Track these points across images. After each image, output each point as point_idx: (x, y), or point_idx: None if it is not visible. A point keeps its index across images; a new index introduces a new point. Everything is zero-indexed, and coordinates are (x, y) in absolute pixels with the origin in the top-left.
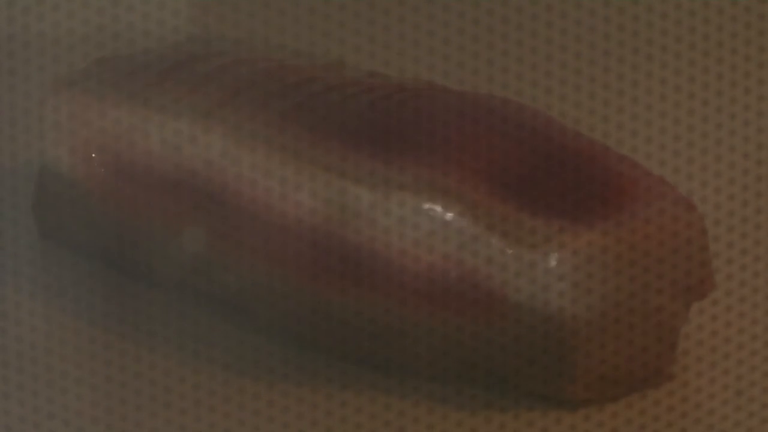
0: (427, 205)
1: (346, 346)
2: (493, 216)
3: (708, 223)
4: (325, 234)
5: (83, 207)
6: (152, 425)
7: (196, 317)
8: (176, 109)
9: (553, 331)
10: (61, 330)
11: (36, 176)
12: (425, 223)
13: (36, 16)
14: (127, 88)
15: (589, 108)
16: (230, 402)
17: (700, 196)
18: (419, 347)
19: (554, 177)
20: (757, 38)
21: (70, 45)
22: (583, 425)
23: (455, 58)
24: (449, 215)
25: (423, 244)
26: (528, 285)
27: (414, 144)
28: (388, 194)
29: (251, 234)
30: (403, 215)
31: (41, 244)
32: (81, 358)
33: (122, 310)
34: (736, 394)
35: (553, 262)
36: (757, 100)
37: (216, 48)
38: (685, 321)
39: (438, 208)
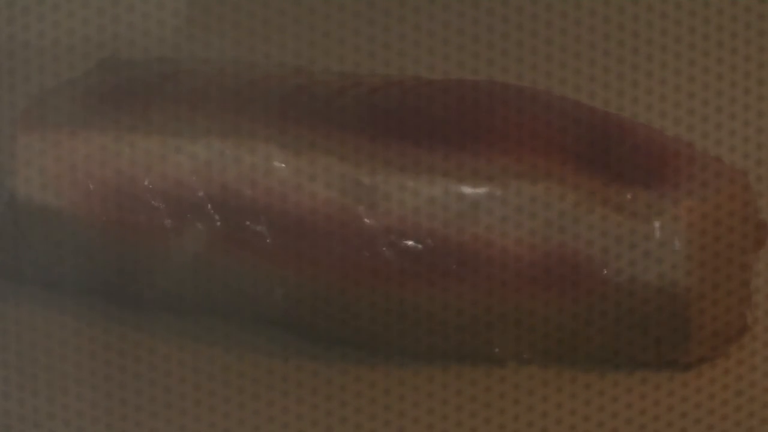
0: (523, 191)
1: (430, 342)
2: (587, 192)
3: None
4: (429, 231)
5: (73, 239)
6: (152, 425)
7: (196, 317)
8: (176, 127)
9: (667, 299)
10: (61, 330)
11: None
12: (524, 209)
13: (36, 16)
14: (104, 113)
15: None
16: (230, 402)
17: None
18: (524, 333)
19: (613, 153)
20: (757, 38)
21: (69, 45)
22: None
23: (455, 58)
24: (547, 199)
25: (525, 229)
26: (636, 255)
27: (478, 133)
28: (482, 184)
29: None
30: (498, 203)
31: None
32: (81, 358)
33: (122, 311)
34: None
35: (660, 230)
36: (757, 99)
37: (185, 67)
38: (752, 274)
39: (536, 193)
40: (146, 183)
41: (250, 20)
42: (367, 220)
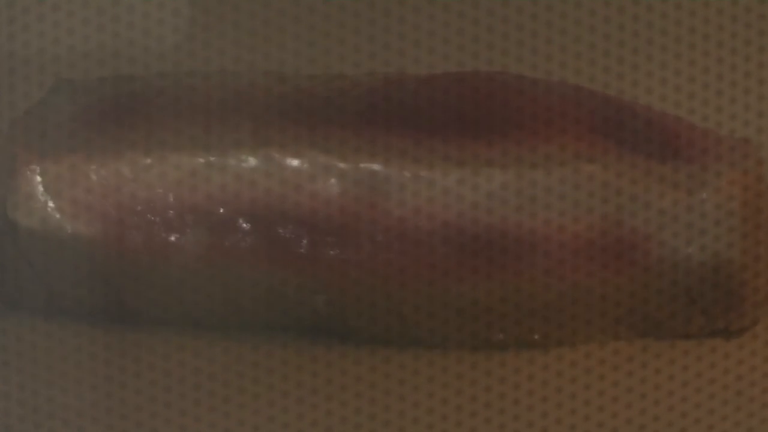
0: (566, 175)
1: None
2: (629, 170)
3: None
4: (462, 224)
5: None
6: (152, 425)
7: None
8: (178, 142)
9: (715, 269)
10: (61, 330)
11: None
12: (571, 193)
13: (36, 16)
14: (104, 133)
15: None
16: (230, 402)
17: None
18: (582, 313)
19: (642, 133)
20: (757, 38)
21: (69, 45)
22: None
23: (455, 58)
24: (591, 179)
25: (573, 212)
26: (683, 227)
27: (508, 121)
28: (526, 171)
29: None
30: (541, 189)
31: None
32: (81, 358)
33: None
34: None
35: (705, 202)
36: (757, 99)
37: (184, 81)
38: None
39: (582, 175)
40: (172, 201)
41: (251, 21)
42: (402, 216)
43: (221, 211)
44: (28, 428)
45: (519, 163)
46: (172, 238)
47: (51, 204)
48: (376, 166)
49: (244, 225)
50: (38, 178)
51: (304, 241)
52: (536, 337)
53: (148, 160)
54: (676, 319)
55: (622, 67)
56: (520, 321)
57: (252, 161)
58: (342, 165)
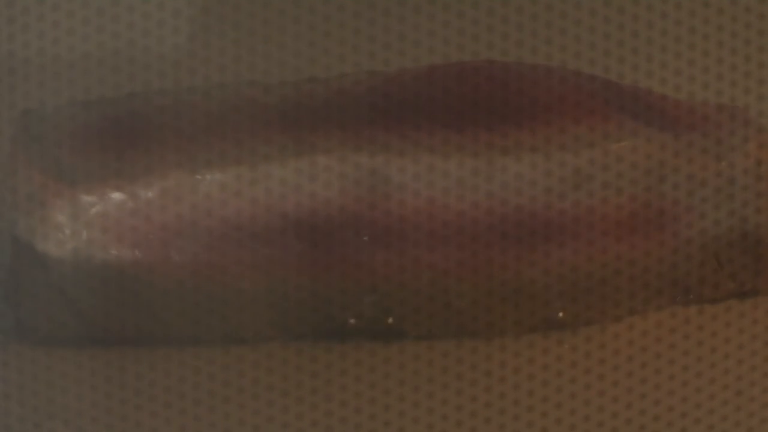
0: (595, 156)
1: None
2: (657, 146)
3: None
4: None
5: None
6: (152, 425)
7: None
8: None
9: (746, 233)
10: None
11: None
12: (603, 172)
13: (35, 17)
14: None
15: None
16: (230, 402)
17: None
18: (624, 285)
19: (655, 110)
20: (757, 38)
21: (70, 46)
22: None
23: (455, 58)
24: (621, 156)
25: (608, 189)
26: (714, 195)
27: (537, 107)
28: (552, 155)
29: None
30: (572, 170)
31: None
32: (81, 358)
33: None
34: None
35: (736, 168)
36: (757, 99)
37: (184, 98)
38: None
39: (612, 154)
40: (209, 220)
41: (250, 20)
42: (442, 208)
43: (261, 224)
44: (28, 428)
45: (554, 146)
46: (214, 257)
47: (83, 233)
48: (409, 162)
49: (286, 236)
50: (69, 208)
51: (348, 245)
52: (591, 313)
53: (178, 182)
54: (706, 284)
55: (622, 66)
56: (575, 299)
57: (285, 170)
58: (375, 163)
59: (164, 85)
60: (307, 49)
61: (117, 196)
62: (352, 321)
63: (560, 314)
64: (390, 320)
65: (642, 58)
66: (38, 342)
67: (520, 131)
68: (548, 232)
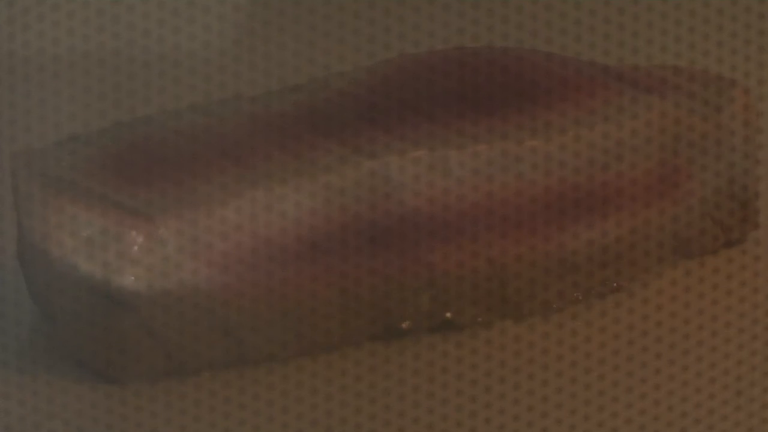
0: (609, 131)
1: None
2: (660, 116)
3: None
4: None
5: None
6: (152, 425)
7: (271, 335)
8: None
9: (734, 189)
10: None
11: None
12: (618, 145)
13: (35, 17)
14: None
15: None
16: (230, 402)
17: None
18: (640, 243)
19: (641, 84)
20: (757, 38)
21: (69, 45)
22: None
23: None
24: (639, 132)
25: (624, 161)
26: (712, 152)
27: (548, 90)
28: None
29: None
30: (588, 145)
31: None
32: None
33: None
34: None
35: (719, 130)
36: (756, 100)
37: (190, 119)
38: None
39: (626, 129)
40: (278, 235)
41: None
42: (488, 194)
43: (327, 235)
44: (28, 428)
45: (575, 124)
46: (288, 273)
47: (164, 264)
48: (452, 152)
49: (350, 243)
50: (146, 240)
51: (405, 242)
52: (619, 279)
53: (252, 200)
54: (705, 237)
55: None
56: (606, 268)
57: (343, 179)
58: (421, 157)
59: (164, 85)
60: (307, 49)
61: (191, 222)
62: (407, 322)
63: (615, 284)
64: (448, 315)
65: (641, 41)
66: (130, 381)
67: (534, 112)
68: (583, 204)
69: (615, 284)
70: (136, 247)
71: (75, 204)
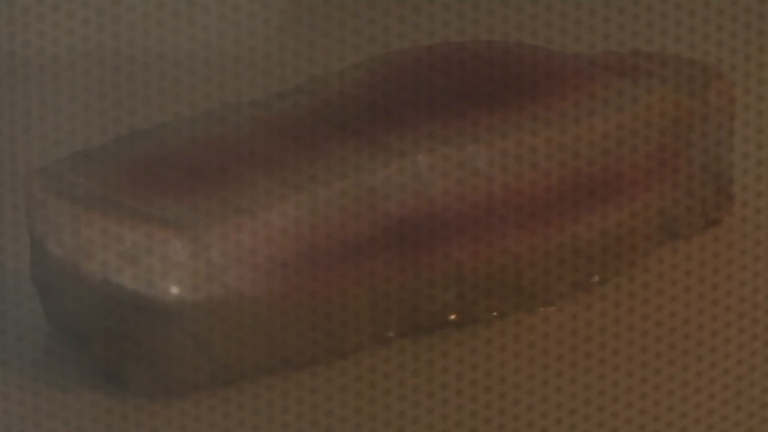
0: (627, 119)
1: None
2: (658, 102)
3: (737, 225)
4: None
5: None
6: (152, 425)
7: (309, 339)
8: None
9: (709, 173)
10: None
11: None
12: (619, 135)
13: (35, 17)
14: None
15: None
16: (230, 402)
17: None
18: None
19: (628, 75)
20: (757, 38)
21: (69, 45)
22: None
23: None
24: (640, 118)
25: (632, 148)
26: (695, 135)
27: (550, 83)
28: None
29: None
30: (601, 135)
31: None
32: (81, 358)
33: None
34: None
35: (691, 117)
36: (757, 100)
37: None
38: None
39: (628, 116)
40: (318, 239)
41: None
42: (505, 187)
43: (361, 235)
44: (28, 428)
45: (587, 114)
46: (330, 276)
47: (208, 273)
48: (471, 148)
49: (380, 242)
50: (194, 250)
51: (434, 239)
52: (620, 263)
53: (288, 206)
54: (683, 220)
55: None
56: (608, 253)
57: (374, 178)
58: (450, 154)
59: (164, 85)
60: (307, 48)
61: (234, 229)
62: (433, 318)
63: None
64: (472, 310)
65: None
66: (176, 394)
67: (541, 104)
68: (592, 192)
69: (615, 269)
70: (179, 258)
71: (107, 219)
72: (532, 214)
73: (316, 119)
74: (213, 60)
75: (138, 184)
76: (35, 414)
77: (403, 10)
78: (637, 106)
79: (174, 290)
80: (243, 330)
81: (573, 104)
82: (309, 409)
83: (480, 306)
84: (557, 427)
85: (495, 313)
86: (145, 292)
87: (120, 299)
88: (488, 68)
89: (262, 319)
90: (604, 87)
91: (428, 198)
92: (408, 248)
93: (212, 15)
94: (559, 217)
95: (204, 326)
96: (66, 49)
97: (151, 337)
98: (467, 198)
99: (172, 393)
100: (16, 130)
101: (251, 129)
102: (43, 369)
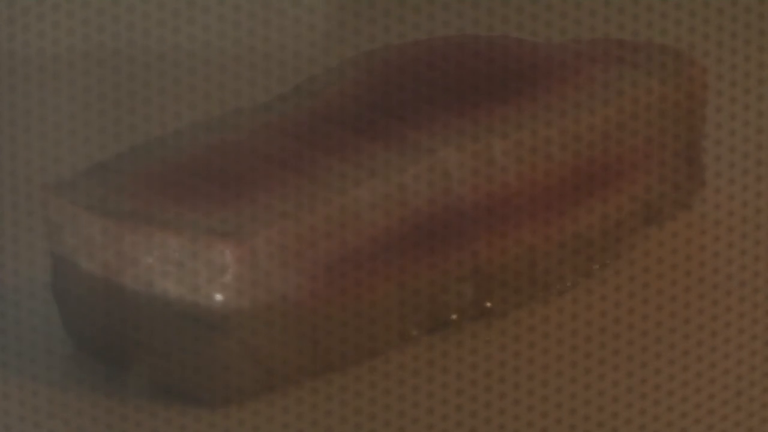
0: (628, 105)
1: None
2: (645, 91)
3: (711, 211)
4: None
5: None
6: (152, 425)
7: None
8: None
9: (685, 148)
10: (61, 329)
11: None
12: (620, 122)
13: (35, 17)
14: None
15: None
16: (230, 402)
17: (700, 197)
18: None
19: (613, 67)
20: (757, 38)
21: (69, 45)
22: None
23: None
24: (640, 103)
25: (634, 133)
26: (671, 117)
27: (548, 76)
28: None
29: None
30: (605, 124)
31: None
32: (81, 357)
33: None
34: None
35: (663, 102)
36: (757, 99)
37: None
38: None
39: (627, 102)
40: (368, 234)
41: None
42: (519, 177)
43: (394, 231)
44: (28, 428)
45: (599, 102)
46: (365, 273)
47: (257, 279)
48: (493, 142)
49: (412, 239)
50: (243, 257)
51: (462, 234)
52: (619, 247)
53: (332, 209)
54: (665, 202)
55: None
56: (607, 238)
57: (402, 175)
58: (479, 151)
59: (164, 85)
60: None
61: (280, 233)
62: (455, 313)
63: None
64: (488, 304)
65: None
66: (226, 402)
67: (547, 95)
68: (596, 180)
69: (613, 255)
70: (226, 264)
71: (147, 230)
72: (546, 205)
73: (333, 119)
74: (213, 60)
75: (166, 194)
76: (35, 414)
77: (403, 10)
78: (634, 94)
79: (222, 297)
80: (287, 334)
81: (578, 95)
82: (309, 408)
83: (498, 298)
84: (557, 427)
85: (511, 305)
86: (193, 300)
87: (166, 310)
88: (486, 62)
89: (305, 322)
90: (601, 77)
91: (454, 193)
92: (436, 243)
93: (212, 15)
94: (570, 206)
95: (251, 331)
96: (66, 49)
97: (200, 346)
98: (489, 191)
99: (220, 400)
100: (16, 130)
101: (268, 132)
102: (43, 369)
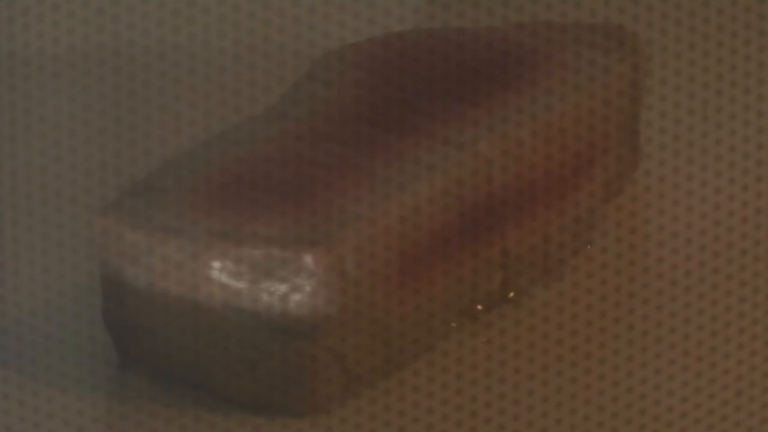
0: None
1: None
2: (616, 78)
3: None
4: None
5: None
6: (152, 425)
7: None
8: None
9: (627, 126)
10: (61, 329)
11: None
12: (605, 108)
13: (35, 17)
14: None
15: None
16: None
17: (700, 196)
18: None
19: (596, 45)
20: (757, 38)
21: (69, 45)
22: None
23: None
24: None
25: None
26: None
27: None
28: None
29: None
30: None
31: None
32: (81, 358)
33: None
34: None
35: (607, 90)
36: (757, 99)
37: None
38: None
39: (614, 90)
40: (422, 228)
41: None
42: (535, 166)
43: (448, 224)
44: (28, 428)
45: (580, 89)
46: (429, 271)
47: (344, 286)
48: (531, 130)
49: (463, 230)
50: (335, 265)
51: (502, 222)
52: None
53: (405, 209)
54: (613, 180)
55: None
56: (594, 216)
57: (454, 166)
58: (523, 138)
59: (164, 84)
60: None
61: (363, 240)
62: (481, 304)
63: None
64: (511, 294)
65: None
66: (316, 411)
67: (543, 84)
68: (596, 163)
69: (597, 232)
70: (317, 273)
71: (227, 247)
72: (559, 190)
73: (356, 121)
74: (213, 60)
75: (226, 207)
76: (35, 414)
77: (403, 9)
78: (619, 70)
79: (311, 305)
80: (373, 339)
81: (566, 80)
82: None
83: (519, 285)
84: (557, 427)
85: (528, 292)
86: (281, 310)
87: (250, 322)
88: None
89: (388, 325)
90: (573, 61)
91: (493, 181)
92: (480, 231)
93: (212, 15)
94: (572, 190)
95: (339, 338)
96: (66, 49)
97: (287, 355)
98: (517, 176)
99: (308, 408)
100: (16, 130)
101: (300, 138)
102: (43, 369)
